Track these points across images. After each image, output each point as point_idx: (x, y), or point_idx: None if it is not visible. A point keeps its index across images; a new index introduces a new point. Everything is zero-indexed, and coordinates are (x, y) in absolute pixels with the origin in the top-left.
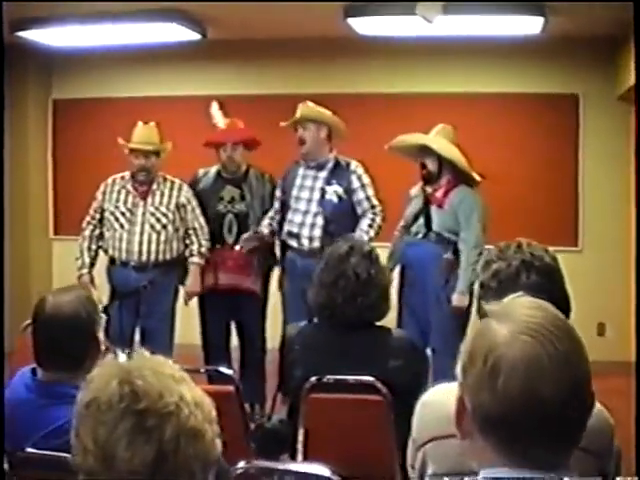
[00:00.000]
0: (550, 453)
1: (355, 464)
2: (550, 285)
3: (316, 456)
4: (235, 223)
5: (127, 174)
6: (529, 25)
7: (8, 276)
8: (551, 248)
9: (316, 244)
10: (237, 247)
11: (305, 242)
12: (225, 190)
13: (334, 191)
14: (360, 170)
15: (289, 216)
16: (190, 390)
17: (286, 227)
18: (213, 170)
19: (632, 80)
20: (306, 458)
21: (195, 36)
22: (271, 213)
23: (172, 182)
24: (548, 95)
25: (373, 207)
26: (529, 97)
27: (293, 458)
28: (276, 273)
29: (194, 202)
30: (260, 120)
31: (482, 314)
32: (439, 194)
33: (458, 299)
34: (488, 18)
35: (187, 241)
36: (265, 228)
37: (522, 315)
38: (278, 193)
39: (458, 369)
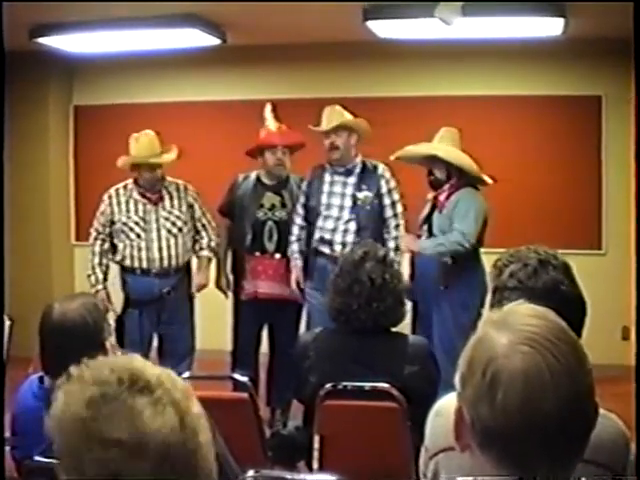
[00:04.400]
0: (551, 467)
1: (371, 471)
2: (569, 282)
3: (332, 463)
4: (276, 231)
5: (129, 182)
6: (550, 26)
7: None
8: (574, 251)
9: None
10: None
11: (337, 248)
12: (265, 197)
13: (365, 197)
14: (388, 174)
15: (320, 223)
16: None
17: (317, 234)
18: (253, 176)
19: None
20: (322, 465)
21: (215, 41)
22: (299, 221)
23: (177, 184)
24: (570, 97)
25: (396, 216)
26: (551, 99)
27: (309, 465)
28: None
29: (199, 200)
30: (285, 123)
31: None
32: (442, 198)
33: (409, 239)
34: (508, 20)
35: (196, 237)
36: (295, 245)
37: (522, 324)
38: (302, 199)
39: (457, 379)
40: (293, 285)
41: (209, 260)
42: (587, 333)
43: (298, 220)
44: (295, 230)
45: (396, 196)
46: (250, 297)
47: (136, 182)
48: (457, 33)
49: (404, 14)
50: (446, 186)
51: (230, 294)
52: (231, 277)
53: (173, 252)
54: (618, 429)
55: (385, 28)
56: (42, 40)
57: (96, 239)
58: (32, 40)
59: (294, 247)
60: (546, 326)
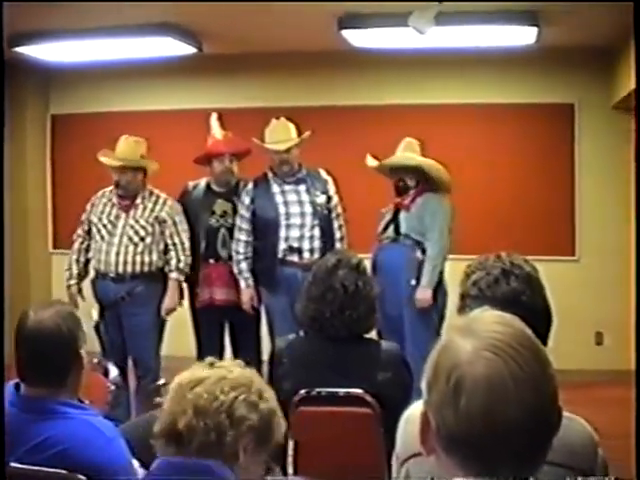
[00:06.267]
0: (515, 471)
1: (345, 477)
2: (530, 292)
3: (306, 469)
4: (229, 238)
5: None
6: (523, 35)
7: (9, 287)
8: (548, 258)
9: (316, 255)
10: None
11: (307, 255)
12: (217, 204)
13: (322, 202)
14: (329, 177)
15: (282, 233)
16: None
17: (283, 244)
18: (202, 183)
19: (627, 89)
20: (296, 471)
21: (191, 50)
22: (244, 237)
23: (157, 196)
24: (543, 105)
25: (339, 216)
26: (524, 107)
27: (284, 470)
28: None
29: (177, 218)
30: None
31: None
32: (407, 201)
33: (420, 292)
34: (481, 28)
35: (167, 256)
36: (244, 264)
37: (486, 331)
38: (248, 215)
39: (423, 384)
40: (247, 306)
41: (178, 282)
42: (561, 339)
43: (243, 237)
44: (241, 248)
45: (337, 198)
46: (205, 304)
47: (117, 186)
48: (431, 42)
49: (378, 23)
50: (412, 191)
51: (186, 302)
52: (184, 285)
53: (130, 259)
54: (586, 432)
55: (359, 37)
56: (19, 49)
57: (78, 236)
58: (10, 49)
59: (243, 266)
60: (510, 333)
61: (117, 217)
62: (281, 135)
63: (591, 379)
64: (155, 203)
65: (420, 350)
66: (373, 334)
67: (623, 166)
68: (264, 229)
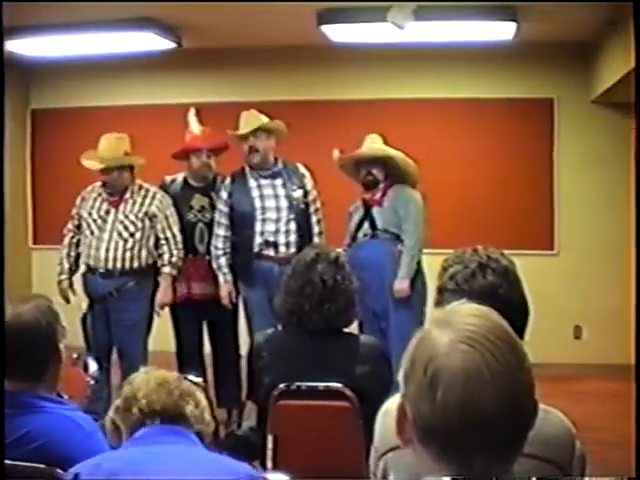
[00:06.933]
0: (490, 462)
1: (324, 470)
2: (507, 286)
3: (286, 463)
4: (206, 232)
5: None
6: (501, 30)
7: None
8: (527, 252)
9: (292, 249)
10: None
11: (282, 249)
12: (194, 199)
13: (299, 196)
14: (307, 172)
15: (258, 227)
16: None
17: (259, 238)
18: (180, 178)
19: (606, 83)
20: (276, 465)
21: (171, 45)
22: (222, 232)
23: (147, 190)
24: (522, 100)
25: (317, 211)
26: (503, 102)
27: (263, 465)
28: None
29: (167, 211)
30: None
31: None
32: (377, 196)
33: (398, 283)
34: (460, 24)
35: (159, 251)
36: (223, 259)
37: (463, 323)
38: (226, 209)
39: (400, 376)
40: (226, 300)
41: (170, 276)
42: (540, 333)
43: (221, 231)
44: (220, 243)
45: (315, 192)
46: (182, 299)
47: (104, 185)
48: (410, 37)
49: (358, 18)
50: (381, 185)
51: None
52: None
53: (119, 254)
54: (563, 425)
55: (339, 32)
56: None
57: (69, 230)
58: None
59: (222, 261)
60: (486, 325)
61: (107, 212)
62: (250, 124)
63: (570, 373)
64: (145, 197)
65: (405, 344)
66: (353, 328)
67: (602, 160)
68: (241, 223)
